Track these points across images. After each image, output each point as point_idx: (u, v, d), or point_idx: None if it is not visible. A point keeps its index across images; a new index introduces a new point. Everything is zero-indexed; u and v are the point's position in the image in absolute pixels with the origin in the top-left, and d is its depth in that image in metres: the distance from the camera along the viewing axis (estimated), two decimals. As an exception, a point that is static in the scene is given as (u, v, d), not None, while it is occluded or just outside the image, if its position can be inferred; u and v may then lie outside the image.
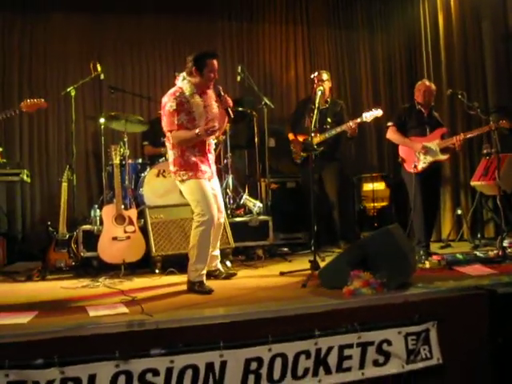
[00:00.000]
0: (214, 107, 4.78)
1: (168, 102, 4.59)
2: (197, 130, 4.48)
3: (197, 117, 4.61)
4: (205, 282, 4.54)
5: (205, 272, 4.62)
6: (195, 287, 4.47)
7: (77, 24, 7.67)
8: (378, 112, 6.40)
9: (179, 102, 4.56)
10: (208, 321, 3.27)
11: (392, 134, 6.02)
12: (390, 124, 6.07)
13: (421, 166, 5.77)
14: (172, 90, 4.66)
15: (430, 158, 5.77)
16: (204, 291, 4.39)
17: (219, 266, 5.04)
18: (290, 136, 6.96)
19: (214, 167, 4.89)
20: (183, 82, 4.68)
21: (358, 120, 6.45)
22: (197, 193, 4.59)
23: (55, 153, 7.49)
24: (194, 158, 4.62)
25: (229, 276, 5.04)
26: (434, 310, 3.60)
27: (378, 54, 8.88)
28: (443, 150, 5.80)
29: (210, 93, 4.77)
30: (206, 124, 4.55)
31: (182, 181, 4.64)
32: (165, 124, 4.63)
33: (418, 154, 5.78)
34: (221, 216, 4.89)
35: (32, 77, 7.46)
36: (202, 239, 4.53)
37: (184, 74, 4.70)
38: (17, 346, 2.97)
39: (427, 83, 6.09)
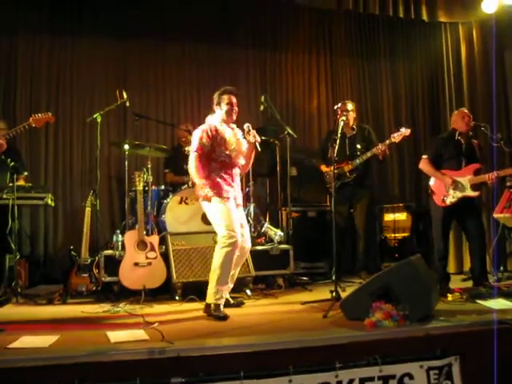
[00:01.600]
0: (241, 141, 5.06)
1: (198, 132, 4.93)
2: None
3: (227, 143, 4.91)
4: (222, 307, 4.60)
5: (225, 296, 4.70)
6: (211, 310, 4.55)
7: (103, 50, 7.82)
8: (406, 131, 6.42)
9: (207, 133, 4.88)
10: (229, 350, 3.26)
11: (424, 165, 5.93)
12: (424, 156, 5.98)
13: (449, 200, 5.68)
14: (202, 125, 5.02)
15: (459, 194, 5.66)
16: (219, 316, 4.47)
17: (227, 296, 4.97)
18: (323, 168, 6.97)
19: (240, 197, 5.08)
20: (211, 118, 5.06)
21: (387, 142, 6.49)
22: (222, 213, 4.74)
23: (79, 177, 7.57)
24: (218, 179, 4.84)
25: (237, 305, 5.03)
26: (457, 344, 3.54)
27: (400, 83, 8.92)
28: (475, 187, 5.68)
29: (237, 130, 5.11)
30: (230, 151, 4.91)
31: (207, 198, 4.79)
32: (192, 145, 4.92)
33: (448, 189, 5.71)
34: (246, 247, 4.99)
35: (59, 101, 7.57)
36: (226, 260, 4.63)
37: (210, 115, 5.10)
38: (37, 369, 2.98)
39: (466, 110, 6.03)
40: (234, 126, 5.11)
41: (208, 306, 4.62)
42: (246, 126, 4.98)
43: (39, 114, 5.51)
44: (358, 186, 6.67)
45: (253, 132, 4.94)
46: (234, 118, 5.05)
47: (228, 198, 4.81)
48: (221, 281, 4.63)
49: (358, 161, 6.64)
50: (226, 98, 4.98)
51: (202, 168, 4.81)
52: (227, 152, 4.91)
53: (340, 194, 6.30)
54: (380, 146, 6.51)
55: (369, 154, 6.60)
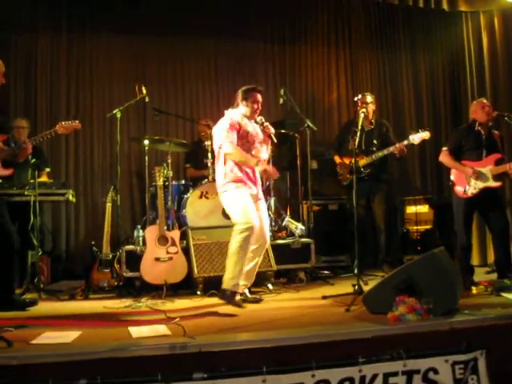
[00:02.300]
0: (261, 135, 5.12)
1: (222, 123, 4.97)
2: (257, 164, 4.94)
3: (249, 137, 4.98)
4: (238, 295, 4.73)
5: (241, 283, 4.82)
6: (227, 297, 4.72)
7: (121, 45, 7.86)
8: (426, 134, 6.30)
9: (232, 123, 4.92)
10: (251, 345, 3.23)
11: (445, 158, 5.87)
12: (444, 149, 5.91)
13: (470, 191, 5.62)
14: (222, 119, 5.06)
15: (480, 184, 5.60)
16: (235, 303, 4.63)
17: (246, 291, 5.02)
18: (337, 159, 6.89)
19: (261, 191, 5.15)
20: (232, 112, 5.06)
21: (405, 142, 6.37)
22: (238, 201, 4.84)
23: (100, 173, 7.62)
24: (241, 174, 4.90)
25: (255, 301, 4.95)
26: (482, 338, 3.48)
27: (420, 74, 8.84)
28: (496, 177, 5.60)
29: (255, 125, 5.14)
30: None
31: (225, 191, 4.89)
32: (218, 140, 4.95)
33: (469, 179, 5.63)
34: (264, 241, 5.04)
35: (79, 97, 7.63)
36: (244, 246, 4.72)
37: (230, 108, 5.12)
38: (60, 365, 2.98)
39: (485, 100, 5.95)
40: (252, 121, 5.13)
41: (224, 291, 4.74)
42: (258, 118, 5.05)
43: (67, 122, 5.46)
44: (373, 181, 6.56)
45: (267, 124, 5.03)
46: (256, 116, 5.07)
47: (245, 187, 4.88)
48: (238, 266, 4.73)
49: (373, 157, 6.55)
50: (254, 95, 5.03)
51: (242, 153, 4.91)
52: (250, 146, 4.97)
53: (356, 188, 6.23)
54: (397, 145, 6.41)
55: (385, 152, 6.50)
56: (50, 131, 5.37)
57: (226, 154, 4.91)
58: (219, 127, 4.98)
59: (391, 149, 6.44)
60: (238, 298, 4.73)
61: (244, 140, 4.94)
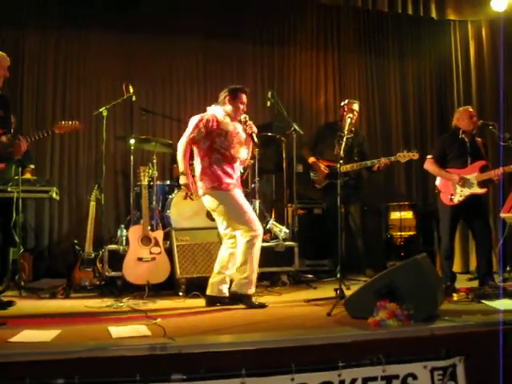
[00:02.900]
0: (242, 135, 5.03)
1: (195, 117, 4.94)
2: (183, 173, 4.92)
3: (228, 136, 4.88)
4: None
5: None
6: (250, 301, 4.77)
7: (110, 43, 7.81)
8: (414, 156, 6.38)
9: (207, 119, 4.86)
10: (231, 347, 3.22)
11: (430, 166, 5.90)
12: (429, 157, 5.94)
13: (457, 198, 5.65)
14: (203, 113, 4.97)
15: (466, 191, 5.63)
16: (258, 305, 4.75)
17: (227, 292, 4.95)
18: (311, 159, 6.92)
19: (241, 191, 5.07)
20: (215, 108, 4.99)
21: (392, 158, 6.45)
22: (231, 206, 4.81)
23: (85, 171, 7.57)
24: (219, 172, 4.84)
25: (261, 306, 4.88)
26: (461, 345, 3.50)
27: (408, 81, 8.87)
28: (482, 183, 5.65)
29: (238, 125, 5.06)
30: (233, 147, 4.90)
31: (208, 191, 4.83)
32: (186, 131, 4.92)
33: (455, 187, 5.67)
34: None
35: (66, 95, 7.58)
36: (256, 252, 4.80)
37: (214, 104, 5.05)
38: (38, 364, 2.96)
39: (471, 109, 5.97)
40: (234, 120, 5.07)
41: (246, 296, 4.78)
42: (242, 116, 4.99)
43: (66, 122, 5.30)
44: (350, 188, 6.56)
45: (250, 123, 4.97)
46: (239, 117, 5.03)
47: (231, 187, 4.84)
48: (252, 271, 4.80)
49: (356, 165, 6.60)
50: (241, 96, 4.99)
51: (186, 157, 4.88)
52: (229, 144, 4.88)
53: (332, 193, 6.22)
54: (383, 160, 6.48)
55: (369, 164, 6.57)
56: (47, 130, 5.22)
57: (178, 144, 4.92)
58: (193, 119, 4.94)
59: (375, 161, 6.52)
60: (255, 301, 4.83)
61: (222, 138, 4.85)
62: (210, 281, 4.93)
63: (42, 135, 5.13)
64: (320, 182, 6.81)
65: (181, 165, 4.89)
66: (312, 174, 6.91)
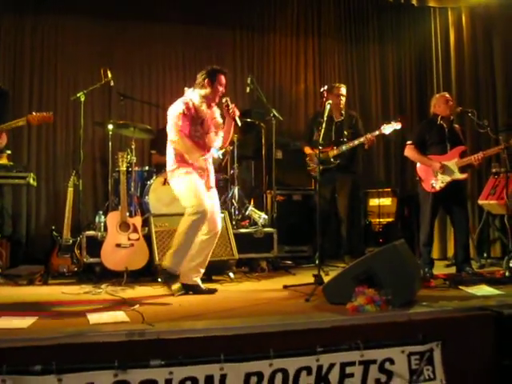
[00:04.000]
0: (219, 121, 4.96)
1: (177, 106, 4.76)
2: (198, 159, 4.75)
3: (204, 124, 4.80)
4: (177, 279, 4.72)
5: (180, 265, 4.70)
6: (165, 275, 4.68)
7: (88, 29, 7.69)
8: (397, 125, 6.39)
9: (187, 107, 4.74)
10: (209, 333, 3.22)
11: (410, 152, 5.93)
12: (409, 143, 5.97)
13: (438, 185, 5.66)
14: (181, 98, 4.85)
15: (447, 178, 5.66)
16: (169, 284, 4.67)
17: (199, 281, 4.86)
18: (307, 150, 6.91)
19: (213, 178, 4.99)
20: (193, 93, 4.87)
21: (377, 132, 6.47)
22: (188, 186, 4.70)
23: (62, 157, 7.49)
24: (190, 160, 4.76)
25: (210, 291, 4.82)
26: (439, 330, 3.54)
27: (388, 67, 8.87)
28: (462, 169, 5.68)
29: (215, 109, 4.98)
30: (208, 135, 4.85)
31: (175, 177, 4.77)
32: (170, 125, 4.75)
33: (436, 174, 5.69)
34: (216, 231, 4.89)
35: (43, 80, 7.47)
36: (193, 227, 4.63)
37: (192, 88, 4.90)
38: (15, 350, 2.94)
39: (448, 95, 6.00)
40: (212, 104, 4.96)
41: (164, 270, 4.68)
42: (224, 99, 4.85)
43: (37, 113, 5.26)
44: (341, 172, 6.64)
45: (232, 106, 4.83)
46: (217, 99, 4.92)
47: (194, 171, 4.75)
48: (183, 247, 4.64)
49: (344, 147, 6.60)
50: (220, 77, 4.85)
51: (191, 144, 4.74)
52: (203, 132, 4.81)
53: (323, 179, 6.23)
54: (368, 136, 6.47)
55: (356, 142, 6.56)
56: (19, 120, 5.15)
57: (170, 140, 4.77)
58: (173, 110, 4.78)
59: (362, 139, 6.51)
60: (176, 284, 4.70)
61: (198, 126, 4.78)
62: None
63: (15, 125, 5.04)
64: (315, 169, 6.81)
65: (196, 151, 4.76)
66: (310, 165, 6.87)
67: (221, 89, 4.86)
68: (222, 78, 4.87)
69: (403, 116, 6.67)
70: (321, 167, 6.55)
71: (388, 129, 6.42)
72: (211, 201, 4.83)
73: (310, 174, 6.94)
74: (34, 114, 5.22)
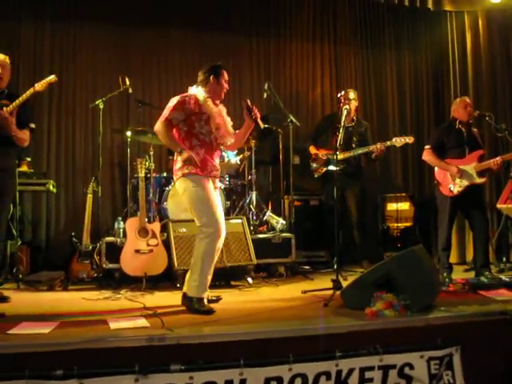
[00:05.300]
0: (225, 118, 4.71)
1: (171, 102, 4.53)
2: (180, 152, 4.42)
3: (211, 121, 4.52)
4: (205, 300, 4.32)
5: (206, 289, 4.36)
6: (194, 304, 4.22)
7: (106, 36, 7.76)
8: (409, 139, 6.38)
9: (184, 101, 4.48)
10: (229, 338, 3.25)
11: (428, 156, 5.93)
12: (427, 147, 5.97)
13: (456, 189, 5.65)
14: (181, 94, 4.62)
15: (465, 182, 5.65)
16: (204, 310, 4.16)
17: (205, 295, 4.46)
18: (312, 149, 6.94)
19: (218, 180, 4.73)
20: (196, 89, 4.63)
21: (388, 143, 6.46)
22: (202, 199, 4.37)
23: (81, 164, 7.54)
24: (197, 157, 4.43)
25: (215, 301, 4.59)
26: (458, 335, 3.53)
27: (404, 72, 8.85)
28: (480, 173, 5.68)
29: (222, 107, 4.75)
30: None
31: (183, 175, 4.44)
32: (164, 113, 4.49)
33: (454, 178, 5.69)
34: (222, 236, 4.46)
35: (62, 87, 7.50)
36: (211, 251, 4.28)
37: (195, 85, 4.69)
38: (37, 356, 2.98)
39: (468, 100, 6.00)
40: (217, 102, 4.72)
41: (191, 299, 4.26)
42: (244, 101, 4.61)
43: (42, 81, 5.00)
44: (348, 177, 6.61)
45: (254, 108, 4.58)
46: (223, 96, 4.73)
47: (208, 180, 4.46)
48: (205, 273, 4.27)
49: (352, 153, 6.61)
50: (224, 73, 4.68)
51: (171, 136, 4.48)
52: (209, 129, 4.51)
53: (329, 183, 6.23)
54: (378, 146, 6.47)
55: (365, 150, 6.56)
56: (27, 92, 5.02)
57: (154, 129, 4.55)
58: (172, 101, 4.53)
59: (371, 148, 6.51)
60: (205, 304, 4.27)
61: (203, 123, 4.46)
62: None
63: (25, 98, 4.91)
64: (318, 171, 6.82)
65: (172, 144, 4.54)
66: (313, 165, 6.88)
67: (226, 84, 4.68)
68: (226, 74, 4.71)
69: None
70: (324, 169, 6.64)
71: (399, 142, 6.42)
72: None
73: (312, 174, 6.94)
74: (39, 82, 5.08)
